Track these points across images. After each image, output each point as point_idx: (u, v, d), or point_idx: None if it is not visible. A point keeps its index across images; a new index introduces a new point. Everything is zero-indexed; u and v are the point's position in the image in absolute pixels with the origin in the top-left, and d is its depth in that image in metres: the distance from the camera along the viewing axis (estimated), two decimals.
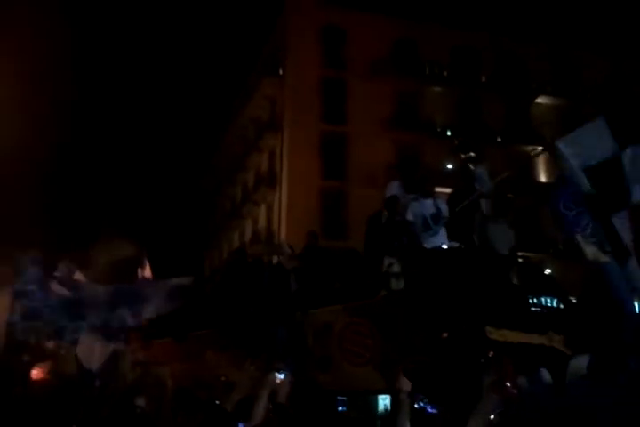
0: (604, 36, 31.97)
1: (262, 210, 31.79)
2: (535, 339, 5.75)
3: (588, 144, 5.14)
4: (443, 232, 7.13)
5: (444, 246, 6.90)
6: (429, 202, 7.27)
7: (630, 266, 4.42)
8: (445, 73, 30.53)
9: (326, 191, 28.65)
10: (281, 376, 5.72)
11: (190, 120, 61.32)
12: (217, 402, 5.66)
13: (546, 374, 4.84)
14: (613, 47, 32.27)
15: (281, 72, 30.95)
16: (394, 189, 7.53)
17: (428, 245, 6.87)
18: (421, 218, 7.02)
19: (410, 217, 7.01)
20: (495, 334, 5.86)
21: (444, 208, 7.39)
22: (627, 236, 4.68)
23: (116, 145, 59.65)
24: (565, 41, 31.79)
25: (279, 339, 6.88)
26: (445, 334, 5.97)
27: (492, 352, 6.04)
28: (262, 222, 31.56)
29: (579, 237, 4.71)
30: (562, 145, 5.24)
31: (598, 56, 32.21)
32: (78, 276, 7.65)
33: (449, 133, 28.89)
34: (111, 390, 6.19)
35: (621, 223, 4.77)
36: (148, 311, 7.10)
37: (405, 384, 4.28)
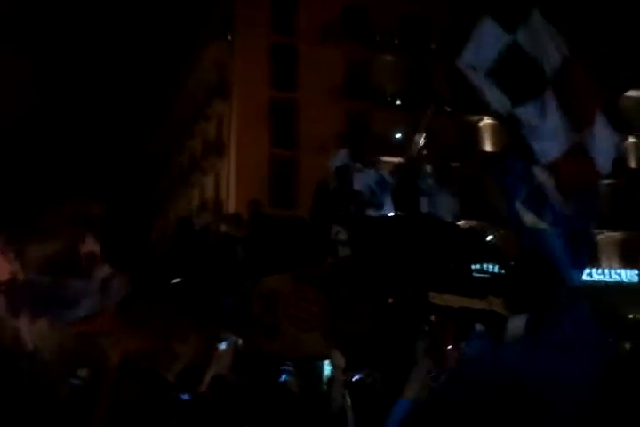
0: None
1: (210, 179, 31.41)
2: (476, 303, 5.90)
3: (484, 50, 5.04)
4: (389, 201, 7.18)
5: (390, 214, 6.97)
6: (374, 171, 7.30)
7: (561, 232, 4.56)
8: (396, 41, 30.42)
9: (276, 160, 28.47)
10: (222, 346, 5.71)
11: (140, 83, 59.53)
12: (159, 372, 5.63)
13: (485, 337, 4.98)
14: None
15: (230, 37, 30.25)
16: (342, 157, 7.53)
17: (374, 213, 6.92)
18: (368, 187, 7.05)
19: (357, 186, 7.03)
20: (437, 299, 6.00)
21: (389, 177, 7.44)
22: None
23: (64, 108, 57.57)
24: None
25: (225, 308, 6.86)
26: (390, 300, 6.08)
27: (434, 317, 6.19)
28: (210, 191, 31.23)
29: (518, 205, 4.81)
30: (462, 63, 5.05)
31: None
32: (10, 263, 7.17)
33: (399, 102, 28.97)
34: (49, 362, 6.06)
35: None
36: (82, 310, 6.89)
37: (339, 359, 4.32)
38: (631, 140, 34.60)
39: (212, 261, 7.65)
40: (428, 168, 7.27)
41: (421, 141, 7.10)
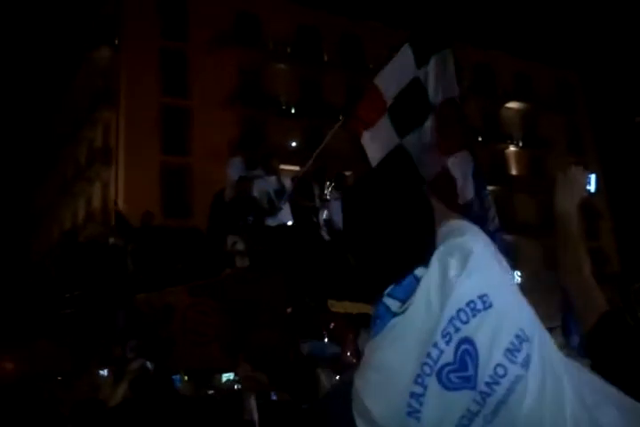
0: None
1: (97, 188, 30.09)
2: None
3: (399, 75, 5.64)
4: (287, 208, 7.16)
5: (289, 223, 6.95)
6: (273, 179, 7.27)
7: None
8: (289, 50, 30.64)
9: (168, 168, 27.74)
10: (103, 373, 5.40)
11: (16, 88, 56.12)
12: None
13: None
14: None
15: (117, 42, 29.21)
16: (235, 165, 7.46)
17: (272, 221, 6.88)
18: (266, 195, 7.00)
19: (255, 194, 6.97)
20: (337, 307, 6.04)
21: (288, 184, 7.43)
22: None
23: None
24: (399, 21, 33.28)
25: (118, 323, 6.56)
26: (290, 309, 6.05)
27: (333, 324, 6.23)
28: (97, 201, 29.91)
29: None
30: (378, 81, 5.73)
31: None
32: None
33: (293, 111, 29.17)
34: None
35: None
36: None
37: (244, 370, 4.24)
38: (511, 148, 36.85)
39: (100, 274, 7.31)
40: (326, 178, 7.35)
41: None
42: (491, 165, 35.12)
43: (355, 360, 5.01)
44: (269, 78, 30.58)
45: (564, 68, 38.81)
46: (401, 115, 5.58)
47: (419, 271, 1.32)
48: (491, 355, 1.21)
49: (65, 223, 32.62)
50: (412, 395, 1.24)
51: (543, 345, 1.26)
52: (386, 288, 1.33)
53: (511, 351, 1.21)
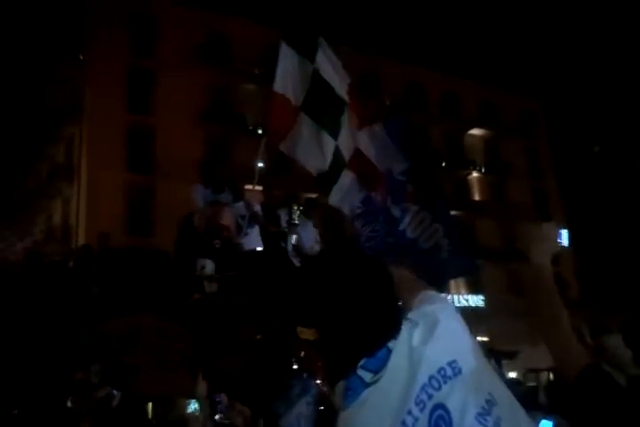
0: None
1: (58, 204, 29.51)
2: None
3: (295, 74, 6.04)
4: (256, 233, 7.13)
5: (258, 248, 6.92)
6: (241, 204, 7.25)
7: None
8: (256, 71, 30.77)
9: (132, 185, 27.38)
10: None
11: None
12: None
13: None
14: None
15: (82, 57, 28.90)
16: (200, 191, 7.42)
17: (241, 247, 6.84)
18: (235, 222, 6.98)
19: (224, 221, 6.93)
20: (306, 334, 6.00)
21: (257, 209, 7.41)
22: None
23: None
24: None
25: (80, 348, 6.39)
26: (259, 336, 5.99)
27: (303, 352, 6.18)
28: (58, 218, 29.30)
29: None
30: (278, 88, 6.18)
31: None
32: None
33: (260, 132, 29.14)
34: None
35: None
36: None
37: (202, 389, 4.20)
38: (475, 174, 37.49)
39: (63, 298, 7.13)
40: (294, 203, 7.38)
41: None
42: (454, 190, 35.69)
43: (326, 389, 4.98)
44: (237, 98, 30.61)
45: (528, 96, 39.89)
46: (321, 115, 5.84)
47: (391, 344, 1.37)
48: (463, 419, 1.25)
49: (25, 239, 31.80)
50: None
51: (511, 407, 1.32)
52: (356, 361, 1.38)
53: (482, 415, 1.26)
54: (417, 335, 1.34)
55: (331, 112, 5.89)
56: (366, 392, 1.33)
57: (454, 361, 1.30)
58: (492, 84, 37.71)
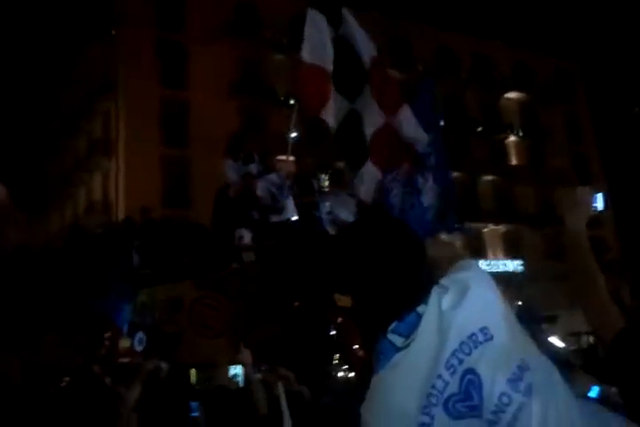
0: None
1: (97, 179, 30.08)
2: None
3: (323, 41, 6.06)
4: (290, 203, 7.19)
5: (294, 218, 6.98)
6: (273, 176, 7.29)
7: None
8: (285, 40, 30.48)
9: (168, 159, 27.70)
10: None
11: (19, 81, 55.82)
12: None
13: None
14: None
15: (113, 32, 29.04)
16: (230, 166, 7.50)
17: (277, 217, 6.91)
18: (269, 193, 7.03)
19: (259, 193, 7.00)
20: (343, 301, 6.07)
21: (288, 180, 7.46)
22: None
23: None
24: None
25: (123, 318, 6.61)
26: (297, 303, 6.10)
27: (340, 319, 6.28)
28: (98, 192, 29.90)
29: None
30: (307, 56, 6.13)
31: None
32: None
33: (292, 102, 29.03)
34: None
35: None
36: None
37: (247, 357, 4.28)
38: (512, 139, 36.82)
39: (106, 268, 7.34)
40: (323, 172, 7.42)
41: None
42: (490, 155, 35.16)
43: (363, 354, 5.07)
44: (268, 69, 30.45)
45: (564, 57, 38.71)
46: (343, 79, 5.83)
47: (421, 308, 1.39)
48: (494, 384, 1.27)
49: (66, 214, 32.63)
50: (421, 425, 1.30)
51: (545, 373, 1.31)
52: (387, 325, 1.40)
53: (514, 381, 1.27)
54: (446, 300, 1.35)
55: (353, 79, 5.90)
56: (397, 356, 1.36)
57: (485, 327, 1.31)
58: (526, 46, 36.65)
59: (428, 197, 5.61)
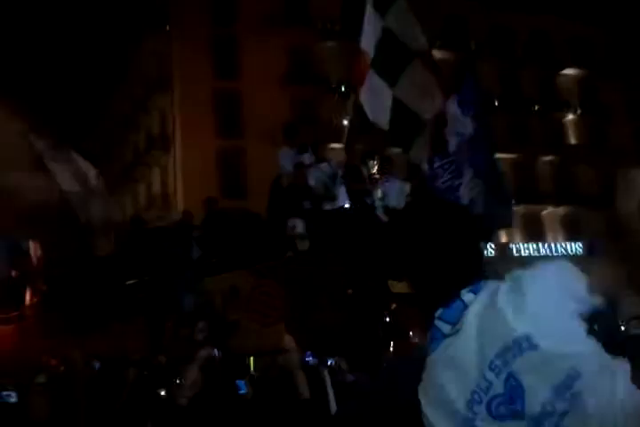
0: None
1: (156, 173, 30.86)
2: None
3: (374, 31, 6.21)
4: (343, 192, 7.25)
5: (346, 206, 7.03)
6: (325, 165, 7.36)
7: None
8: (337, 27, 30.36)
9: (223, 150, 28.16)
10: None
11: (75, 77, 57.64)
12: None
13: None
14: None
15: (168, 28, 29.59)
16: (285, 155, 7.58)
17: (330, 206, 6.98)
18: (321, 182, 7.10)
19: (311, 182, 7.07)
20: (397, 287, 6.10)
21: (339, 169, 7.51)
22: None
23: None
24: None
25: (185, 306, 6.82)
26: (350, 291, 6.16)
27: (394, 305, 6.31)
28: (157, 186, 30.68)
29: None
30: (364, 45, 6.29)
31: None
32: None
33: (343, 89, 28.97)
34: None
35: None
36: None
37: (290, 342, 4.33)
38: (569, 117, 35.66)
39: (167, 260, 7.58)
40: (372, 159, 7.44)
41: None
42: (548, 134, 34.17)
43: (419, 339, 5.09)
44: (319, 57, 30.43)
45: (622, 32, 37.06)
46: (383, 65, 5.90)
47: (467, 297, 1.37)
48: (537, 393, 1.24)
49: (126, 208, 33.64)
50: (465, 419, 1.31)
51: (598, 376, 1.25)
52: (434, 311, 1.41)
53: (561, 389, 1.23)
54: (502, 298, 1.30)
55: (396, 63, 5.95)
56: (446, 342, 1.36)
57: (530, 335, 1.27)
58: (582, 19, 35.19)
59: (467, 192, 5.58)
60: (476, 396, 1.30)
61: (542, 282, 1.33)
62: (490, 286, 1.35)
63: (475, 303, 1.34)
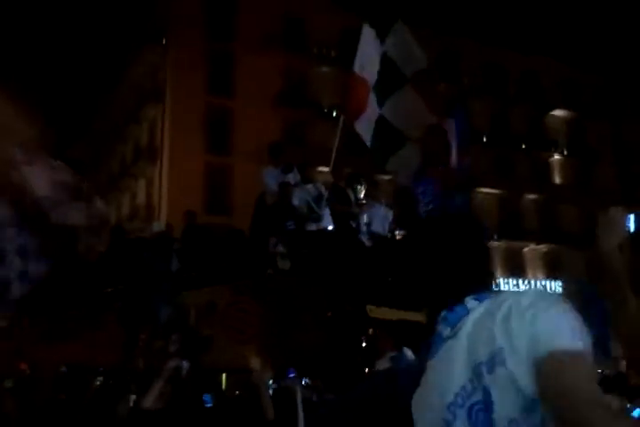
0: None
1: (142, 184, 30.72)
2: (412, 316, 6.03)
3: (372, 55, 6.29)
4: (327, 214, 7.26)
5: (329, 228, 7.04)
6: (311, 186, 7.38)
7: None
8: (333, 53, 30.74)
9: (211, 166, 28.14)
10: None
11: (66, 85, 57.65)
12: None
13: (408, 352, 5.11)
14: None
15: (164, 41, 29.75)
16: (270, 173, 7.59)
17: (314, 227, 6.98)
18: (306, 202, 7.11)
19: (295, 201, 7.08)
20: (376, 312, 6.09)
21: (325, 191, 7.53)
22: None
23: None
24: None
25: (161, 319, 6.74)
26: (329, 313, 6.13)
27: (371, 330, 6.28)
28: (141, 197, 30.52)
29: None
30: (358, 70, 6.38)
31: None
32: None
33: (334, 114, 29.24)
34: None
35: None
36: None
37: (260, 362, 4.29)
38: (556, 157, 36.18)
39: (146, 271, 7.51)
40: (359, 182, 7.49)
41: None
42: (534, 172, 34.61)
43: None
44: (313, 81, 30.71)
45: (612, 75, 37.95)
46: (378, 89, 6.02)
47: (470, 303, 1.41)
48: (503, 410, 1.26)
49: (109, 217, 33.32)
50: (444, 421, 1.33)
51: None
52: (437, 314, 1.43)
53: (527, 410, 1.24)
54: (502, 313, 1.31)
55: (388, 86, 6.06)
56: (442, 347, 1.39)
57: (502, 350, 1.27)
58: (573, 63, 36.01)
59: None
60: (459, 399, 1.32)
61: (536, 306, 1.30)
62: (498, 297, 1.36)
63: (476, 310, 1.36)
